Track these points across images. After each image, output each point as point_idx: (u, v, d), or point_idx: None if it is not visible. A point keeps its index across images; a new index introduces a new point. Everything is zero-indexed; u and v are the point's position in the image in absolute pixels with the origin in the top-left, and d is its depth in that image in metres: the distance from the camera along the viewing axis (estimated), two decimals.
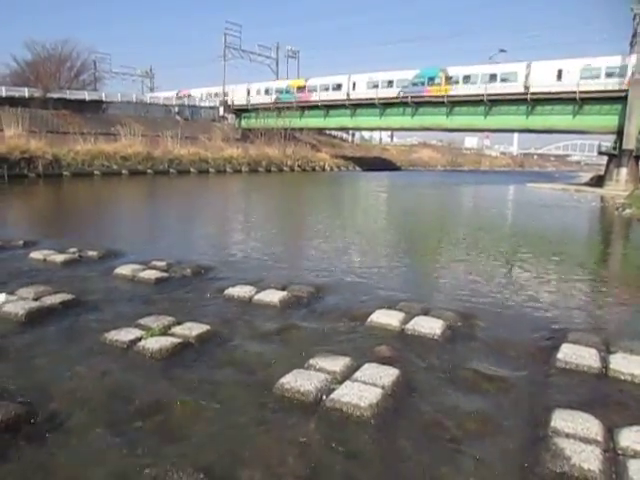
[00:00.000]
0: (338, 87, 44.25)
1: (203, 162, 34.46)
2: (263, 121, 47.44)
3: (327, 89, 45.06)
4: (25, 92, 36.71)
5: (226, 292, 5.91)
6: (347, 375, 3.78)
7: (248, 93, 50.96)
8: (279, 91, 49.04)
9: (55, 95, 37.81)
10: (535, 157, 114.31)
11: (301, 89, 47.46)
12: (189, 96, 50.79)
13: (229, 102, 50.90)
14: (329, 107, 45.62)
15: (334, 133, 61.41)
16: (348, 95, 43.41)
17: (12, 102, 32.19)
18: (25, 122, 28.27)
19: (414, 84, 39.88)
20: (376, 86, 41.78)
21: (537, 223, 15.37)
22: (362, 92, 42.63)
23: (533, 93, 33.36)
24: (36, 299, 5.37)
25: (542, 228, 14.14)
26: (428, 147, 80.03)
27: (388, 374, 3.79)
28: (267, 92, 49.87)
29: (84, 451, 2.89)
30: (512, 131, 50.52)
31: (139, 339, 4.36)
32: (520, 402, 3.61)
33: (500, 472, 2.82)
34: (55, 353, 4.22)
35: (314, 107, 46.66)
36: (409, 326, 4.94)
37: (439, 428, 3.23)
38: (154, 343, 4.24)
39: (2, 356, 4.10)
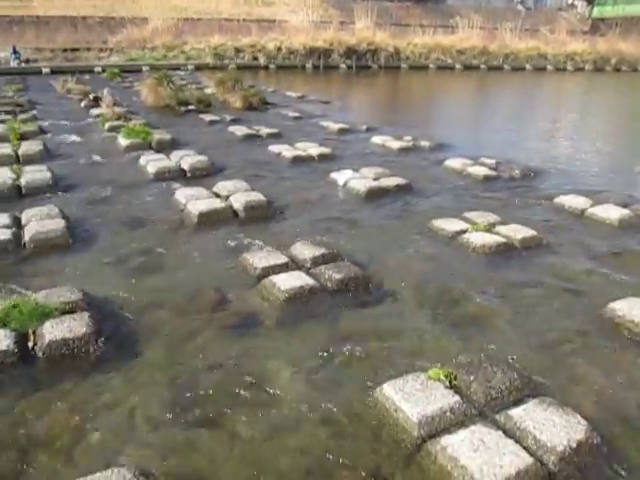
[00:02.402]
0: None
1: (541, 58, 31.38)
2: (623, 8, 39.58)
3: None
4: None
5: (556, 200, 5.50)
6: None
7: None
8: None
9: None
10: None
11: None
12: None
13: None
14: None
15: None
16: None
17: None
18: (372, 15, 30.06)
19: None
20: None
21: None
22: None
23: None
24: (375, 179, 5.99)
25: None
26: None
27: None
28: None
29: (411, 327, 3.16)
30: None
31: (464, 231, 4.48)
32: None
33: None
34: (388, 229, 4.69)
35: None
36: None
37: None
38: (478, 238, 4.30)
39: (345, 226, 4.77)
